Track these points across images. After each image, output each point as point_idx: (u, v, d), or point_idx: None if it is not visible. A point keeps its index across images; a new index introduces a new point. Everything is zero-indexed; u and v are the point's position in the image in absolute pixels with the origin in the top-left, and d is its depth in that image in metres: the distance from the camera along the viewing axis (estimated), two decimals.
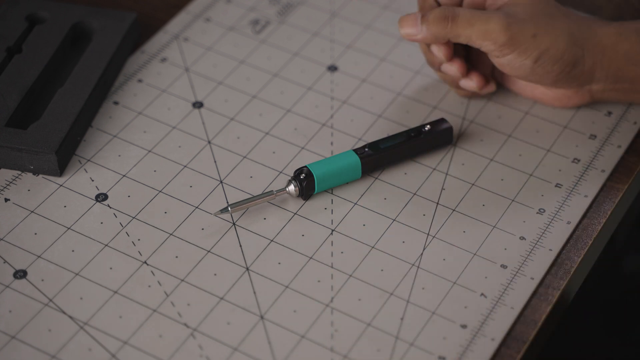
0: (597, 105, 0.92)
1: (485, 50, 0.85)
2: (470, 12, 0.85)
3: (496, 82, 0.92)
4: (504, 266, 0.80)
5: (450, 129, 0.88)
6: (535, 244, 0.82)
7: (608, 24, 0.87)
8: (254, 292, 0.78)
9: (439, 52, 0.87)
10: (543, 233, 0.82)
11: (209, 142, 0.89)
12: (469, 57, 0.91)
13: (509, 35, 0.84)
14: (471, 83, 0.89)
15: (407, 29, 0.87)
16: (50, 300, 0.77)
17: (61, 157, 0.85)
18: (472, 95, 0.92)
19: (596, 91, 0.88)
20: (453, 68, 0.88)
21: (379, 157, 0.86)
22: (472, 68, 0.90)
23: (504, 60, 0.85)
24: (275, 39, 0.98)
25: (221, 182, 0.86)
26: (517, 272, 0.80)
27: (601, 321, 1.13)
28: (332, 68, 0.96)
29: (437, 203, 0.85)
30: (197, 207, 0.84)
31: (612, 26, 0.86)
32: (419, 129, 0.88)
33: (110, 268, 0.79)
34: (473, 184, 0.86)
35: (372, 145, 0.86)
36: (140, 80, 0.94)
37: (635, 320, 1.13)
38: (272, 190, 0.84)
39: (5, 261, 0.79)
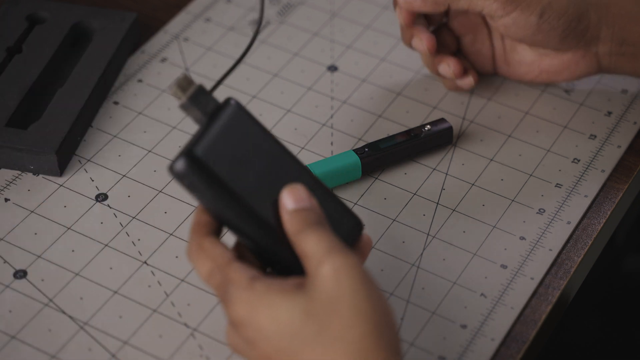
0: (597, 105, 0.92)
1: (487, 12, 0.84)
2: None
3: (493, 73, 0.92)
4: (504, 266, 0.80)
5: (450, 129, 0.88)
6: (535, 244, 0.82)
7: None
8: None
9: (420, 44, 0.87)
10: (543, 233, 0.82)
11: None
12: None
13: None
14: (447, 68, 0.88)
15: None
16: (51, 300, 0.77)
17: (61, 157, 0.85)
18: (454, 88, 0.92)
19: (602, 55, 0.87)
20: (422, 44, 0.87)
21: (379, 157, 0.86)
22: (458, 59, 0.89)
23: (508, 20, 0.84)
24: (275, 39, 0.98)
25: None
26: (517, 272, 0.80)
27: (601, 321, 1.13)
28: (332, 68, 0.96)
29: (437, 203, 0.85)
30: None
31: None
32: (419, 129, 0.87)
33: (111, 268, 0.79)
34: (473, 184, 0.86)
35: (372, 146, 0.86)
36: (140, 80, 0.94)
37: (635, 320, 1.13)
38: None
39: (5, 261, 0.79)
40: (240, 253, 0.70)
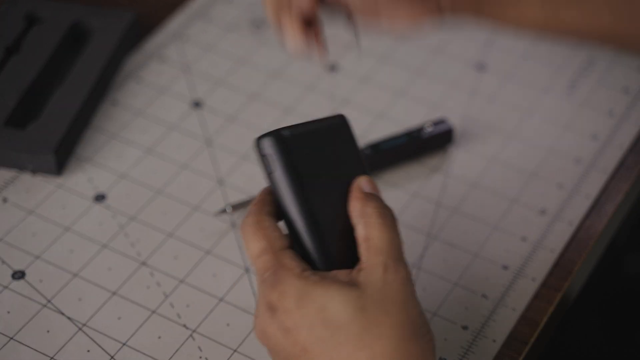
0: (598, 105, 0.92)
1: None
2: None
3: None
4: (505, 267, 0.80)
5: (451, 129, 0.88)
6: (537, 245, 0.82)
7: None
8: (254, 293, 0.78)
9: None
10: (544, 234, 0.82)
11: (209, 142, 0.89)
12: None
13: None
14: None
15: None
16: (49, 301, 0.77)
17: (60, 157, 0.85)
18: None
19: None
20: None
21: (379, 157, 0.86)
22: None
23: None
24: (275, 39, 0.98)
25: (221, 182, 0.85)
26: (518, 273, 0.80)
27: (602, 322, 1.13)
28: (332, 68, 0.95)
29: (437, 203, 0.84)
30: (196, 208, 0.83)
31: None
32: (419, 129, 0.87)
33: (109, 269, 0.79)
34: (473, 184, 0.86)
35: (372, 146, 0.86)
36: (139, 80, 0.94)
37: (637, 321, 1.13)
38: None
39: (3, 262, 0.79)
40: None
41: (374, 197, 0.68)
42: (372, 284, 0.64)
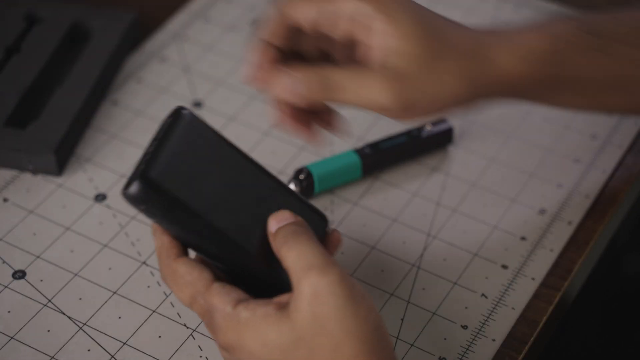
0: None
1: (376, 110, 0.71)
2: (351, 79, 0.70)
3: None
4: (504, 267, 0.80)
5: (451, 129, 0.88)
6: (537, 244, 0.82)
7: (504, 46, 0.72)
8: None
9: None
10: (544, 233, 0.82)
11: None
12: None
13: (400, 104, 0.69)
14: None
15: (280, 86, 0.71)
16: (49, 300, 0.77)
17: (60, 156, 0.85)
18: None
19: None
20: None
21: (379, 157, 0.86)
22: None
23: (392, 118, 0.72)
24: None
25: None
26: (517, 272, 0.80)
27: (602, 322, 1.13)
28: None
29: (437, 203, 0.85)
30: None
31: (509, 50, 0.72)
32: (419, 129, 0.87)
33: (110, 268, 0.79)
34: (473, 184, 0.86)
35: (373, 145, 0.86)
36: (139, 80, 0.94)
37: (636, 321, 1.13)
38: None
39: (4, 261, 0.79)
40: (218, 272, 0.69)
41: (278, 232, 0.66)
42: (299, 307, 0.63)
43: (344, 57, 0.74)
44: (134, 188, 0.64)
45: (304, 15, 0.71)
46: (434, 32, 0.71)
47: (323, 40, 0.73)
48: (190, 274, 0.66)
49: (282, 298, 0.65)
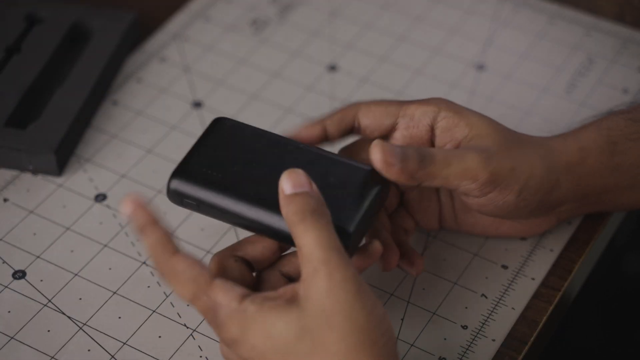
0: (597, 105, 0.92)
1: (463, 190, 0.73)
2: (445, 151, 0.73)
3: (439, 229, 0.82)
4: (504, 266, 0.80)
5: None
6: (536, 244, 0.82)
7: (564, 139, 0.77)
8: None
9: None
10: (544, 233, 0.82)
11: None
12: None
13: (489, 171, 0.73)
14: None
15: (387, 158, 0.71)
16: (50, 300, 0.77)
17: (60, 157, 0.85)
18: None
19: (564, 212, 0.79)
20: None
21: None
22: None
23: (484, 200, 0.74)
24: (275, 38, 0.98)
25: None
26: (517, 272, 0.80)
27: (602, 321, 1.13)
28: (332, 68, 0.95)
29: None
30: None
31: (569, 142, 0.77)
32: None
33: (110, 268, 0.79)
34: None
35: None
36: (139, 80, 0.94)
37: (636, 321, 1.13)
38: None
39: (4, 261, 0.79)
40: (222, 265, 0.69)
41: (293, 199, 0.66)
42: (310, 297, 0.63)
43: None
44: (171, 186, 0.70)
45: (371, 115, 0.76)
46: (507, 130, 0.76)
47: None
48: (189, 270, 0.66)
49: (288, 289, 0.66)
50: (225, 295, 0.66)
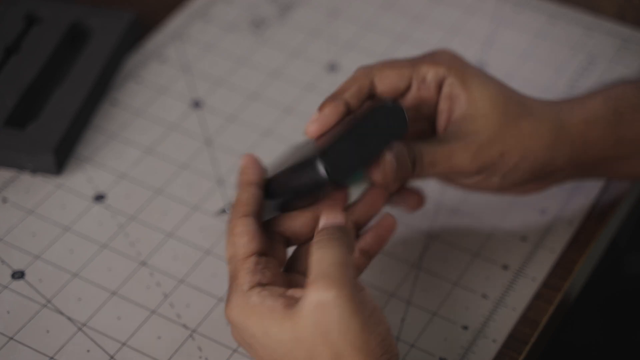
0: None
1: (451, 176, 0.76)
2: (432, 151, 0.74)
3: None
4: (505, 267, 0.80)
5: None
6: (537, 244, 0.81)
7: (571, 108, 0.77)
8: None
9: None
10: (545, 234, 0.82)
11: (209, 142, 0.89)
12: None
13: (476, 165, 0.74)
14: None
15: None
16: (49, 301, 0.77)
17: (60, 156, 0.85)
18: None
19: (558, 178, 0.79)
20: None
21: None
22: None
23: (469, 181, 0.76)
24: (275, 38, 0.98)
25: (220, 182, 0.85)
26: (518, 273, 0.80)
27: (602, 322, 1.13)
28: (332, 68, 0.95)
29: (437, 203, 0.84)
30: (196, 208, 0.83)
31: (576, 112, 0.77)
32: None
33: (109, 269, 0.79)
34: None
35: None
36: (139, 80, 0.93)
37: (637, 321, 1.13)
38: None
39: (3, 262, 0.79)
40: (267, 247, 0.70)
41: (321, 231, 0.68)
42: (304, 314, 0.64)
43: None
44: (321, 169, 0.68)
45: (387, 81, 0.75)
46: (511, 102, 0.76)
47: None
48: (240, 236, 0.69)
49: (296, 292, 0.66)
50: (244, 274, 0.67)
